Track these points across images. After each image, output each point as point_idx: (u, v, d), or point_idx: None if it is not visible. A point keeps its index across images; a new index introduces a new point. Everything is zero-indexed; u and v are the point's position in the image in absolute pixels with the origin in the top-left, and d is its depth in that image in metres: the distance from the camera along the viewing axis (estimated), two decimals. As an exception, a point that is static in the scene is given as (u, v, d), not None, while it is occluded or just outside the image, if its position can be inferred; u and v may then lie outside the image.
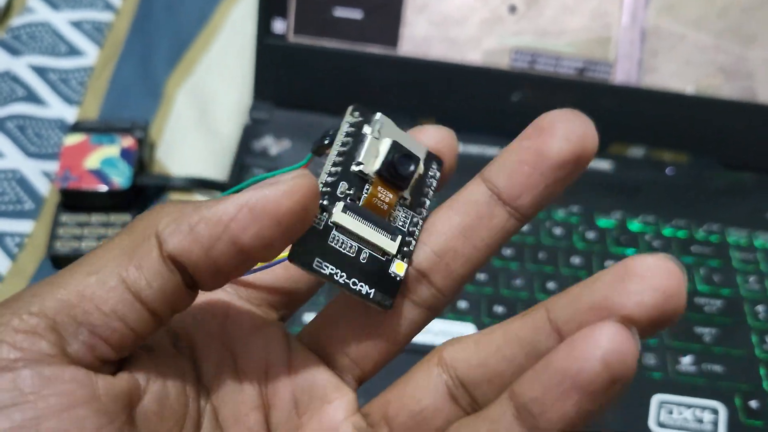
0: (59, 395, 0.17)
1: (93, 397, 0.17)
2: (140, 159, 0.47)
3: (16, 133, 0.50)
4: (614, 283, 0.18)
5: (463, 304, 0.43)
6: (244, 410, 0.21)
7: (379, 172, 0.21)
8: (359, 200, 0.21)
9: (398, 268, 0.21)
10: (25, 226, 0.46)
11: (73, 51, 0.56)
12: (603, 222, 0.47)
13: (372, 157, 0.21)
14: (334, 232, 0.20)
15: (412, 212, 0.22)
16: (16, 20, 0.57)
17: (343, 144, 0.21)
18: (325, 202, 0.20)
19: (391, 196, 0.21)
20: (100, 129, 0.48)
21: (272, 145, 0.50)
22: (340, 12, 0.49)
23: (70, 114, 0.52)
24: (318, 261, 0.20)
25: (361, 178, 0.21)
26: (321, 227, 0.20)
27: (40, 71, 0.54)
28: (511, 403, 0.18)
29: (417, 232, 0.22)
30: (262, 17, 0.50)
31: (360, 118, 0.22)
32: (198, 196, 0.48)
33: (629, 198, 0.49)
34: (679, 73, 0.50)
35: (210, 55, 0.56)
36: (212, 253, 0.18)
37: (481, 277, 0.44)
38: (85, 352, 0.18)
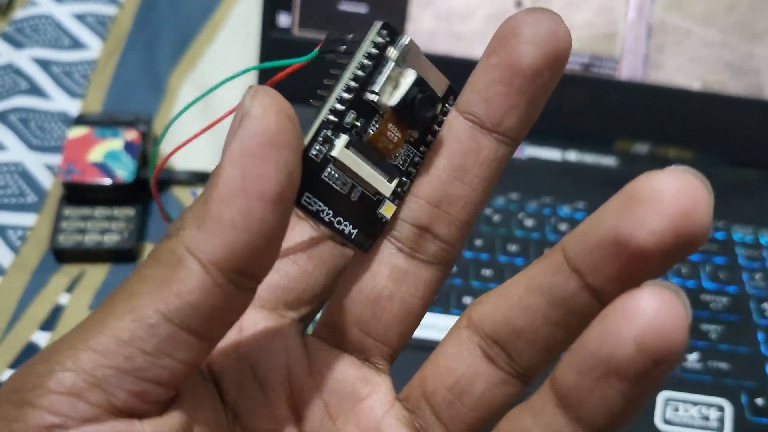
0: None
1: None
2: (143, 152, 0.47)
3: (19, 126, 0.50)
4: (620, 211, 0.15)
5: (467, 300, 0.42)
6: (275, 427, 0.20)
7: (395, 108, 0.19)
8: (365, 134, 0.19)
9: (387, 210, 0.20)
10: (27, 219, 0.46)
11: (76, 44, 0.56)
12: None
13: (390, 87, 0.19)
14: (330, 166, 0.19)
15: (415, 150, 0.20)
16: (19, 13, 0.57)
17: (362, 67, 0.18)
18: (329, 133, 0.18)
19: (400, 135, 0.19)
20: (103, 122, 0.47)
21: (276, 139, 0.50)
22: (346, 6, 0.49)
23: (73, 107, 0.52)
24: (307, 197, 0.18)
25: (373, 109, 0.19)
26: (319, 159, 0.18)
27: (44, 64, 0.54)
28: (551, 391, 0.16)
29: (413, 171, 0.20)
30: (266, 11, 0.49)
31: (386, 39, 0.19)
32: (201, 190, 0.48)
33: (635, 194, 0.48)
34: (685, 69, 0.49)
35: (214, 48, 0.56)
36: (249, 237, 0.16)
37: (487, 273, 0.44)
38: (134, 400, 0.16)
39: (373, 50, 0.18)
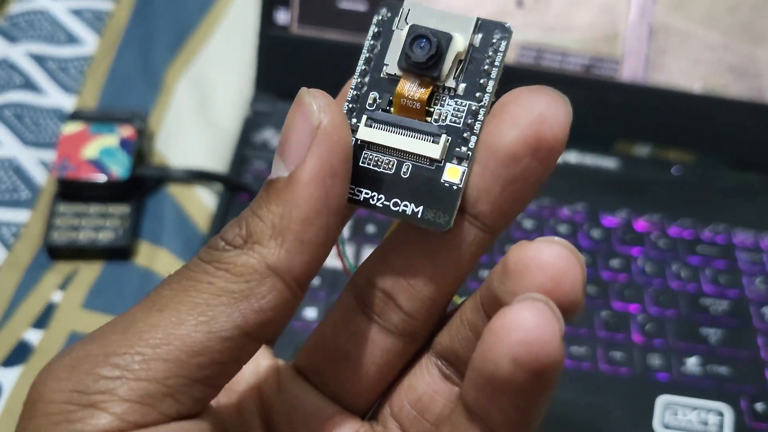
0: None
1: None
2: (139, 149, 0.46)
3: (13, 122, 0.50)
4: (499, 278, 0.16)
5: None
6: None
7: (399, 66, 0.18)
8: (391, 105, 0.18)
9: (451, 174, 0.17)
10: (21, 215, 0.45)
11: (72, 39, 0.55)
12: (608, 220, 0.47)
13: (396, 51, 0.18)
14: (365, 151, 0.18)
15: (468, 101, 0.17)
16: (14, 7, 0.56)
17: (370, 49, 0.18)
18: (352, 122, 0.18)
19: (422, 90, 0.17)
20: (99, 118, 0.47)
21: (273, 137, 0.49)
22: (345, 4, 0.49)
23: (68, 103, 0.51)
24: (350, 188, 0.17)
25: (392, 81, 0.18)
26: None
27: (39, 59, 0.53)
28: (462, 406, 0.17)
29: (477, 125, 0.17)
30: (265, 7, 0.49)
31: (388, 15, 0.18)
32: (197, 188, 0.47)
33: (635, 197, 0.48)
34: (687, 71, 0.49)
35: (211, 45, 0.56)
36: (326, 251, 0.17)
37: (485, 274, 0.43)
38: (198, 405, 0.17)
39: (376, 29, 0.18)
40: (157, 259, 0.44)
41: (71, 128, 0.46)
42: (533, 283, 0.15)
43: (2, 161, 0.48)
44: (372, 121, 0.18)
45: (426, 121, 0.18)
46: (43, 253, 0.44)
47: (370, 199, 0.18)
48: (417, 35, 0.17)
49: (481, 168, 0.17)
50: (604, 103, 0.49)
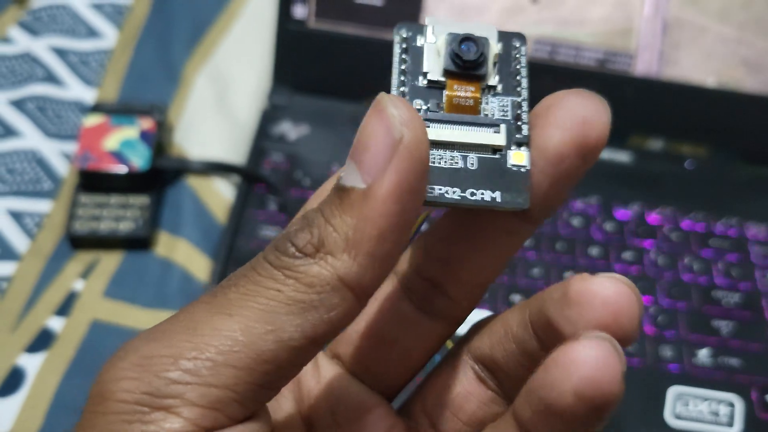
0: None
1: None
2: (159, 141, 0.47)
3: (36, 114, 0.51)
4: (558, 305, 0.17)
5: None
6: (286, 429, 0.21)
7: (446, 69, 0.19)
8: (440, 107, 0.19)
9: (517, 158, 0.18)
10: (43, 205, 0.46)
11: (92, 33, 0.56)
12: (621, 213, 0.47)
13: (435, 59, 0.19)
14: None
15: (510, 97, 0.19)
16: (37, 2, 0.57)
17: (401, 62, 0.19)
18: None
19: (472, 88, 0.19)
20: (119, 111, 0.48)
21: (290, 130, 0.50)
22: (361, -2, 0.49)
23: (89, 95, 0.52)
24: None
25: (435, 88, 0.19)
26: None
27: (60, 53, 0.54)
28: (513, 420, 0.17)
29: (525, 116, 0.19)
30: (282, 2, 0.50)
31: (409, 34, 0.19)
32: (215, 179, 0.48)
33: (648, 190, 0.48)
34: (701, 65, 0.49)
35: (229, 38, 0.56)
36: (394, 264, 0.17)
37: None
38: (261, 407, 0.17)
39: (403, 45, 0.19)
40: (176, 249, 0.45)
41: (92, 120, 0.47)
42: (594, 317, 0.16)
43: (26, 153, 0.49)
44: (430, 122, 0.18)
45: (485, 116, 0.19)
46: (66, 242, 0.45)
47: (445, 194, 0.18)
48: (463, 38, 0.18)
49: (532, 164, 0.18)
50: (618, 98, 0.50)
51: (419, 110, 0.18)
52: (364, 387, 0.21)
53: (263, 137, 0.49)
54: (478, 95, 0.19)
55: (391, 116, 0.16)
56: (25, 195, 0.47)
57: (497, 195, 0.18)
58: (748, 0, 0.48)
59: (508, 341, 0.19)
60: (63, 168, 0.48)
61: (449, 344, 0.22)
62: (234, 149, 0.50)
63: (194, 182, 0.48)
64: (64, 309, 0.42)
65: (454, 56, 0.18)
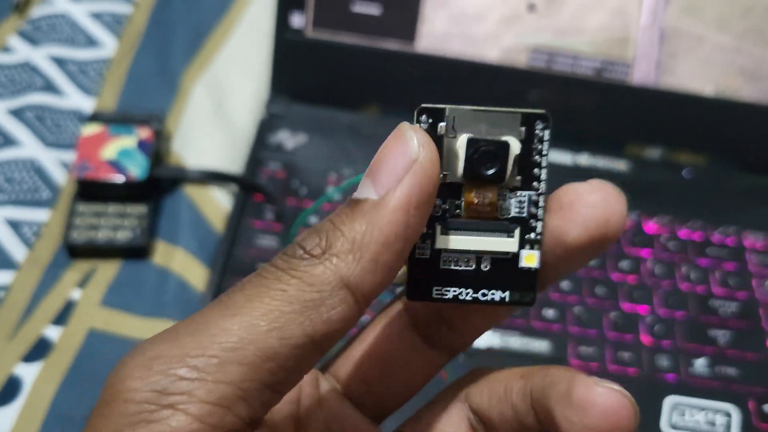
0: None
1: None
2: (156, 150, 0.47)
3: (35, 123, 0.51)
4: (562, 401, 0.18)
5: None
6: None
7: (465, 177, 0.19)
8: (459, 210, 0.19)
9: (528, 260, 0.19)
10: (41, 214, 0.47)
11: (91, 42, 0.56)
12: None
13: (453, 161, 0.19)
14: (443, 255, 0.19)
15: (527, 192, 0.19)
16: (36, 11, 0.57)
17: None
18: (424, 230, 0.19)
19: (490, 195, 0.19)
20: (117, 120, 0.48)
21: (288, 139, 0.50)
22: (359, 7, 0.49)
23: (87, 105, 0.52)
24: (437, 290, 0.19)
25: (453, 187, 0.19)
26: (428, 256, 0.19)
27: (59, 62, 0.54)
28: None
29: (540, 211, 0.19)
30: (280, 11, 0.50)
31: (429, 121, 0.19)
32: (213, 188, 0.48)
33: (645, 199, 0.48)
34: (698, 74, 0.49)
35: (227, 48, 0.57)
36: (394, 275, 0.18)
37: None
38: (264, 411, 0.17)
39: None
40: (173, 258, 0.45)
41: (90, 130, 0.47)
42: (594, 422, 0.17)
43: (24, 162, 0.49)
44: (447, 229, 0.19)
45: (496, 219, 0.19)
46: (63, 251, 0.45)
47: (459, 296, 0.19)
48: (482, 153, 0.18)
49: (547, 250, 0.19)
50: (615, 106, 0.50)
51: (437, 211, 0.19)
52: (359, 413, 0.22)
53: (261, 146, 0.49)
54: (495, 201, 0.19)
55: (409, 139, 0.17)
56: (23, 204, 0.47)
57: (506, 295, 0.19)
58: (746, 9, 0.48)
59: (506, 406, 0.20)
60: (61, 177, 0.48)
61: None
62: (231, 158, 0.50)
63: (191, 191, 0.48)
64: (61, 318, 0.42)
65: (473, 171, 0.19)
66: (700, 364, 0.41)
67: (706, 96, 0.49)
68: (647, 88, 0.49)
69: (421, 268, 0.19)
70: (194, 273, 0.44)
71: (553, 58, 0.49)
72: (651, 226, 0.47)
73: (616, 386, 0.18)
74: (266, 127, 0.50)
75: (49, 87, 0.53)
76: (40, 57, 0.54)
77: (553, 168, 0.50)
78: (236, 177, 0.48)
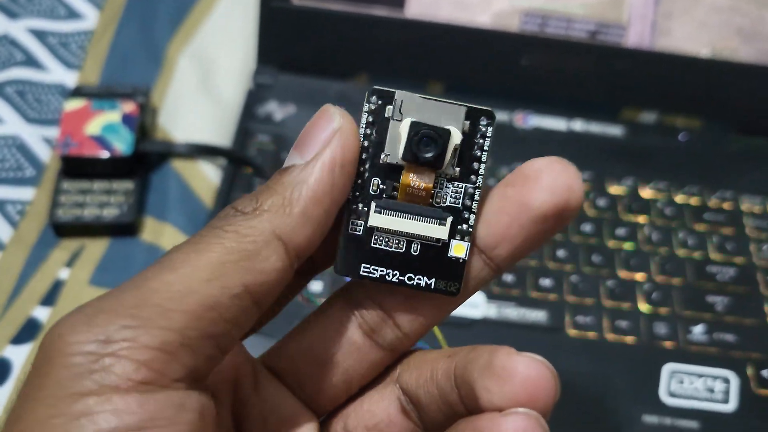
0: (188, 424, 0.17)
1: (216, 424, 0.18)
2: (142, 125, 0.46)
3: (16, 99, 0.49)
4: (481, 373, 0.18)
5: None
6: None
7: (404, 158, 0.19)
8: (396, 192, 0.20)
9: (457, 250, 0.20)
10: (26, 193, 0.46)
11: (72, 14, 0.55)
12: (614, 189, 0.46)
13: (396, 142, 0.20)
14: (375, 234, 0.20)
15: (464, 183, 0.20)
16: (13, -18, 0.56)
17: (365, 137, 0.20)
18: (359, 206, 0.20)
19: (426, 179, 0.20)
20: (101, 94, 0.47)
21: (276, 110, 0.49)
22: (346, -27, 0.48)
23: (70, 79, 0.51)
24: (365, 267, 0.20)
25: (394, 168, 0.20)
26: (360, 233, 0.20)
27: (39, 35, 0.53)
28: None
29: (474, 204, 0.20)
30: (265, -22, 0.48)
31: (379, 102, 0.20)
32: (201, 162, 0.47)
33: (641, 164, 0.48)
34: (694, 35, 0.48)
35: (212, 18, 0.55)
36: (323, 233, 0.19)
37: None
38: (208, 366, 0.17)
39: (371, 117, 0.20)
40: (162, 234, 0.44)
41: (73, 105, 0.46)
42: (512, 391, 0.18)
43: (6, 139, 0.48)
44: (381, 208, 0.20)
45: (431, 205, 0.20)
46: (49, 230, 0.44)
47: (386, 276, 0.20)
48: (422, 135, 0.19)
49: (510, 219, 0.20)
50: (609, 70, 0.49)
51: (375, 190, 0.20)
52: (298, 402, 0.22)
53: (249, 118, 0.48)
54: (430, 186, 0.20)
55: (332, 113, 0.19)
56: (6, 182, 0.46)
57: (432, 282, 0.20)
58: (741, -33, 0.47)
59: (432, 385, 0.20)
60: (45, 154, 0.47)
61: None
62: (220, 131, 0.49)
63: (179, 166, 0.47)
64: (49, 298, 0.41)
65: (412, 153, 0.19)
66: (698, 330, 0.41)
67: (703, 57, 0.48)
68: (642, 50, 0.48)
69: (352, 244, 0.20)
70: (184, 249, 0.44)
71: (546, 22, 0.48)
72: (647, 191, 0.46)
73: (538, 357, 0.18)
74: (254, 98, 0.49)
75: (30, 61, 0.51)
76: (19, 30, 0.53)
77: (548, 134, 0.49)
78: (225, 150, 0.47)
